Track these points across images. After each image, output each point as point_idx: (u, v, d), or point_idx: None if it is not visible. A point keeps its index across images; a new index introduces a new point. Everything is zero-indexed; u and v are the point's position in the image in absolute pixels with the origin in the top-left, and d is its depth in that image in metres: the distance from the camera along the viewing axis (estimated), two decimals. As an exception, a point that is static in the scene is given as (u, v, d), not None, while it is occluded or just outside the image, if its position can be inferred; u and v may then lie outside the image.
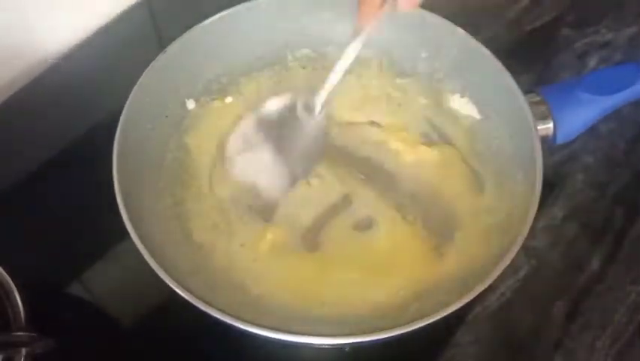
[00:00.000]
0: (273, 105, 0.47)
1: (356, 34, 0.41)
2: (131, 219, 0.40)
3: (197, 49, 0.50)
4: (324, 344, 0.40)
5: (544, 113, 0.47)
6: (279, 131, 0.46)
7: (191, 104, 0.51)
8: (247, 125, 0.47)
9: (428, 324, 0.37)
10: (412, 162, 0.50)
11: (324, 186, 0.49)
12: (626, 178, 0.52)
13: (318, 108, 0.44)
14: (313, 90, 0.44)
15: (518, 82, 0.47)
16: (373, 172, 0.50)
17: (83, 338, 0.45)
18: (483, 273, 0.40)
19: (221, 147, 0.48)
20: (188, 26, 0.49)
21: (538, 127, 0.46)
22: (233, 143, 0.47)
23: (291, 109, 0.46)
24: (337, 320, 0.42)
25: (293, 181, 0.47)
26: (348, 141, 0.51)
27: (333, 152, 0.50)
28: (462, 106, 0.51)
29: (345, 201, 0.48)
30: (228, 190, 0.48)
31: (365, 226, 0.47)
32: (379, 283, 0.44)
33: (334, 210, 0.48)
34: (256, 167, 0.46)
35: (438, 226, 0.47)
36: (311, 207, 0.48)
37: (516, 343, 0.45)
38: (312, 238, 0.47)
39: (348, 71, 0.43)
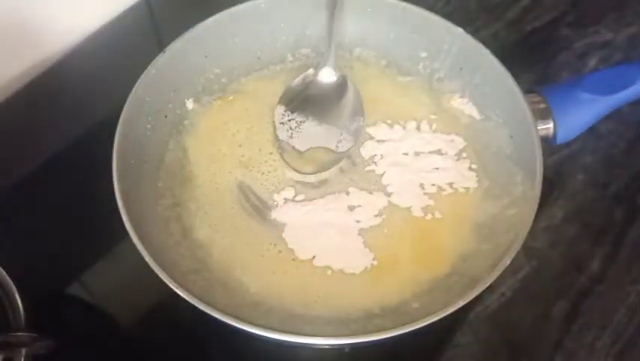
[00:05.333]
0: (297, 85, 0.50)
1: None
2: (131, 220, 0.40)
3: (197, 49, 0.50)
4: (324, 344, 0.40)
5: (545, 113, 0.47)
6: (314, 105, 0.50)
7: (191, 104, 0.51)
8: (279, 113, 0.50)
9: (428, 324, 0.37)
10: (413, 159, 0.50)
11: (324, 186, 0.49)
12: (626, 178, 0.52)
13: (333, 63, 0.49)
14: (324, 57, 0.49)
15: (518, 82, 0.47)
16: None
17: (83, 338, 0.45)
18: (483, 273, 0.40)
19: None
20: (188, 26, 0.49)
21: (538, 127, 0.46)
22: (281, 131, 0.49)
23: (313, 82, 0.50)
24: (337, 319, 0.42)
25: (353, 140, 0.49)
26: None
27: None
28: (462, 106, 0.51)
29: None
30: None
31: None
32: (380, 282, 0.44)
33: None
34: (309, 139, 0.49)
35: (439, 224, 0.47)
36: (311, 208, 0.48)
37: (516, 343, 0.45)
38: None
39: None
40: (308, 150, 0.49)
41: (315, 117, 0.50)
